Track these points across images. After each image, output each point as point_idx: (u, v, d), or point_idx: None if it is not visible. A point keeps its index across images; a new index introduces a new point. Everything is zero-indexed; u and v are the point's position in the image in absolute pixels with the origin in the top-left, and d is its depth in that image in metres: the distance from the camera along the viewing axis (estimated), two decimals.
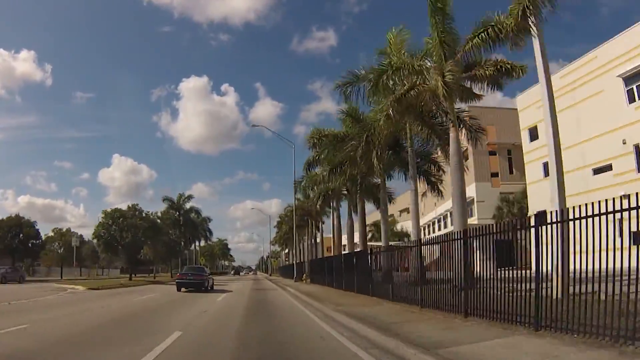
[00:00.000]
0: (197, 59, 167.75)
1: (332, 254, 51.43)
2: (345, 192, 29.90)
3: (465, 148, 49.07)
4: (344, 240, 34.34)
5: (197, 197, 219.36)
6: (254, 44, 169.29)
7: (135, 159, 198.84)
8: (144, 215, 37.73)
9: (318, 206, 28.23)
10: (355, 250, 22.11)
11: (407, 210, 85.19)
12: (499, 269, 9.29)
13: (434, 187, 21.96)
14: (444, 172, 23.14)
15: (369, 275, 17.96)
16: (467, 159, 51.19)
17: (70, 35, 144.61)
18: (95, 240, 37.81)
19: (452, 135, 15.04)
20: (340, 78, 18.67)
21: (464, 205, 14.80)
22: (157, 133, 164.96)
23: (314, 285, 29.56)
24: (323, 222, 48.92)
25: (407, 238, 70.03)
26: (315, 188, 28.60)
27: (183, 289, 23.79)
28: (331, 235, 61.65)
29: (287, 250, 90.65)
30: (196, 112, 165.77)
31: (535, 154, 39.28)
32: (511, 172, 49.80)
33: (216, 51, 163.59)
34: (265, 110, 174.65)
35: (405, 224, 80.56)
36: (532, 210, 38.61)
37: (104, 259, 46.04)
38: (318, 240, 51.53)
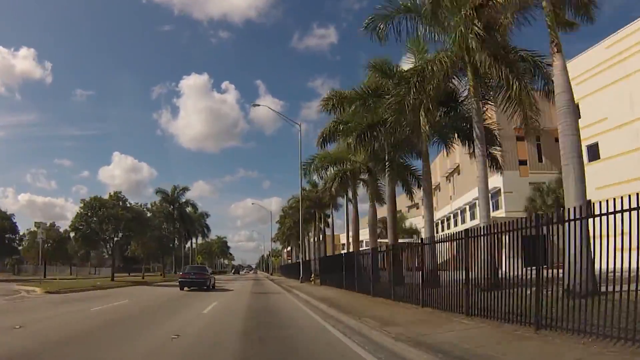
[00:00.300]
0: (198, 57, 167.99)
1: (342, 251, 46.38)
2: (366, 175, 24.91)
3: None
4: (362, 235, 29.50)
5: (197, 195, 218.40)
6: (255, 41, 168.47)
7: (136, 156, 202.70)
8: (128, 205, 32.64)
9: (333, 189, 23.13)
10: (391, 244, 17.10)
11: (416, 205, 79.88)
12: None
13: (492, 160, 16.96)
14: (499, 143, 18.13)
15: (411, 278, 13.19)
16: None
17: (70, 33, 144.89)
18: (72, 234, 32.80)
19: (557, 64, 10.01)
20: (375, 10, 13.61)
21: (583, 168, 9.75)
22: (157, 131, 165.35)
23: (326, 287, 24.54)
24: (335, 211, 43.94)
25: (416, 235, 64.94)
26: (330, 169, 23.49)
27: (186, 288, 23.95)
28: (342, 232, 56.42)
29: (289, 248, 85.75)
30: (196, 109, 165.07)
31: None
32: (540, 160, 44.69)
33: (216, 48, 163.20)
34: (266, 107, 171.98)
35: (415, 220, 75.20)
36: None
37: (82, 255, 41.09)
38: (323, 236, 46.60)
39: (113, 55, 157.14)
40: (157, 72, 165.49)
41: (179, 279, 25.73)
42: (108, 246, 33.42)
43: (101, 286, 25.94)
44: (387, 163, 18.30)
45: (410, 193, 21.77)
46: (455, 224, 56.06)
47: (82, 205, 32.31)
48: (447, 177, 59.95)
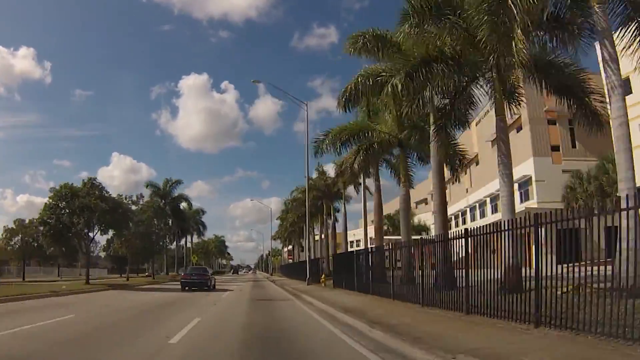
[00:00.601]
0: (197, 56, 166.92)
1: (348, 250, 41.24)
2: (394, 153, 20.10)
3: (518, 115, 39.01)
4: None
5: (196, 195, 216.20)
6: (255, 41, 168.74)
7: (135, 157, 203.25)
8: (105, 194, 27.62)
9: (356, 166, 18.17)
10: (440, 233, 12.22)
11: (424, 201, 74.77)
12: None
13: (592, 116, 12.05)
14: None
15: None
16: (521, 128, 41.32)
17: (69, 32, 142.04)
18: (41, 228, 27.86)
19: None
20: None
21: None
22: (156, 131, 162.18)
23: (343, 292, 19.66)
24: (341, 206, 38.93)
25: (425, 233, 59.91)
26: (352, 141, 18.46)
27: (187, 288, 24.42)
28: (348, 230, 50.94)
29: (290, 247, 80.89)
30: (196, 109, 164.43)
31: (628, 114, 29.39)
32: (574, 145, 39.75)
33: (216, 48, 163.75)
34: (265, 107, 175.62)
35: (424, 217, 69.98)
36: (623, 187, 28.92)
37: (52, 253, 36.16)
38: (333, 232, 41.58)
39: (112, 55, 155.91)
40: (157, 72, 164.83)
41: (181, 280, 26.41)
42: (83, 243, 28.44)
43: (65, 291, 21.01)
44: (432, 126, 13.44)
45: (455, 171, 16.96)
46: (473, 219, 51.19)
47: (51, 194, 27.39)
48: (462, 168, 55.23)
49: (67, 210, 26.89)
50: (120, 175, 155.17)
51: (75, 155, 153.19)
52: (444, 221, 14.49)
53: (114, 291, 24.02)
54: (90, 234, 28.36)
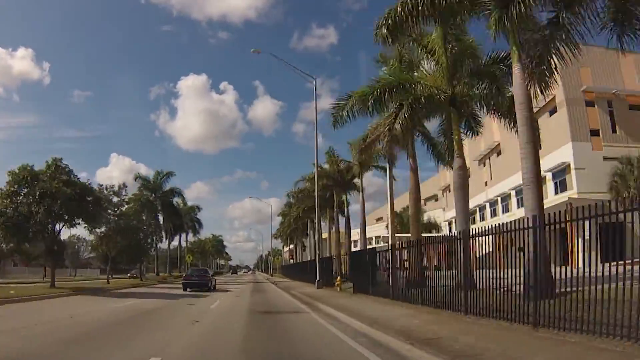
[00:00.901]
0: (196, 57, 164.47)
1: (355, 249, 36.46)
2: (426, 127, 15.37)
3: (552, 96, 34.27)
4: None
5: (195, 195, 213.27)
6: (254, 41, 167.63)
7: (134, 158, 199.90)
8: (72, 178, 22.64)
9: (399, 125, 13.20)
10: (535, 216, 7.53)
11: (434, 197, 70.08)
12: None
13: None
14: None
15: None
16: (554, 110, 36.78)
17: (68, 33, 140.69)
18: None
19: None
20: None
21: None
22: (155, 132, 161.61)
23: (371, 299, 14.95)
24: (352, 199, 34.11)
25: (435, 231, 55.13)
26: (389, 97, 13.40)
27: (188, 289, 24.68)
28: (352, 229, 46.09)
29: (291, 246, 76.15)
30: (195, 110, 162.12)
31: None
32: (614, 130, 35.06)
33: (215, 49, 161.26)
34: (265, 108, 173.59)
35: (433, 214, 65.23)
36: None
37: (11, 249, 31.23)
38: (347, 226, 36.73)
39: (111, 55, 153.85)
40: (155, 73, 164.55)
41: (182, 281, 26.82)
42: (47, 237, 23.52)
43: (10, 298, 16.23)
44: (516, 64, 8.77)
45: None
46: (494, 214, 46.43)
47: (9, 179, 22.55)
48: (480, 160, 50.31)
49: (30, 198, 22.10)
50: (119, 175, 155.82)
51: (74, 156, 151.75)
52: (539, 197, 9.78)
53: (78, 297, 19.22)
54: (57, 227, 23.55)
